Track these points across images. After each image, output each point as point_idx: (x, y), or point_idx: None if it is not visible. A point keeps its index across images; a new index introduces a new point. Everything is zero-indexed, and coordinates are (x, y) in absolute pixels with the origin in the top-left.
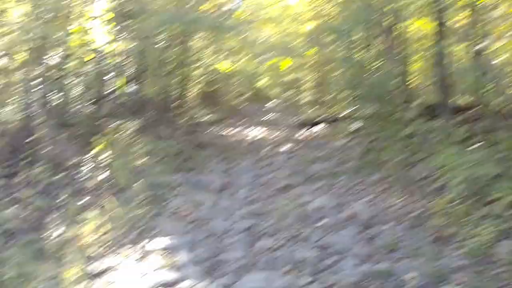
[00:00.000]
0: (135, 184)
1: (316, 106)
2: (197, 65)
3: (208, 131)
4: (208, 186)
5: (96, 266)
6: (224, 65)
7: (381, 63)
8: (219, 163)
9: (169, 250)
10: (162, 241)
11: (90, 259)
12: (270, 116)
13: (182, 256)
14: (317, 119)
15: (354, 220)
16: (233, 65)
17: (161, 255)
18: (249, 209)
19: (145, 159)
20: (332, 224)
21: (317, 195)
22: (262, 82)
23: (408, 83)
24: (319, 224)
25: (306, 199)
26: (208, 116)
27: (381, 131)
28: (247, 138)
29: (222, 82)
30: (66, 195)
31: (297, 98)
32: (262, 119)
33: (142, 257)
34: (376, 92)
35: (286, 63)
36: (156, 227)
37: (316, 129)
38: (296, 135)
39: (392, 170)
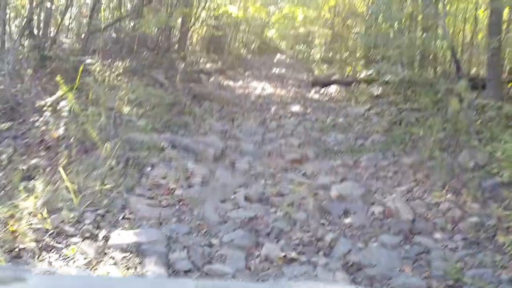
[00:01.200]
0: (107, 142)
1: (331, 64)
2: (203, 4)
3: (210, 80)
4: (202, 152)
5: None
6: (233, 9)
7: (420, 19)
8: (218, 122)
9: (134, 251)
10: (127, 236)
11: (15, 259)
12: (280, 70)
13: (154, 262)
14: (331, 79)
15: (391, 222)
16: (243, 10)
17: (122, 258)
18: (250, 191)
19: (127, 108)
20: (360, 226)
21: (337, 177)
22: (273, 32)
23: (452, 46)
24: (345, 222)
25: (323, 181)
26: (211, 64)
27: (413, 100)
28: (253, 93)
29: (229, 28)
30: (10, 153)
31: (310, 53)
32: (270, 72)
33: (96, 261)
34: (409, 54)
35: (302, 12)
36: (124, 209)
37: (330, 89)
38: (308, 94)
39: (431, 152)
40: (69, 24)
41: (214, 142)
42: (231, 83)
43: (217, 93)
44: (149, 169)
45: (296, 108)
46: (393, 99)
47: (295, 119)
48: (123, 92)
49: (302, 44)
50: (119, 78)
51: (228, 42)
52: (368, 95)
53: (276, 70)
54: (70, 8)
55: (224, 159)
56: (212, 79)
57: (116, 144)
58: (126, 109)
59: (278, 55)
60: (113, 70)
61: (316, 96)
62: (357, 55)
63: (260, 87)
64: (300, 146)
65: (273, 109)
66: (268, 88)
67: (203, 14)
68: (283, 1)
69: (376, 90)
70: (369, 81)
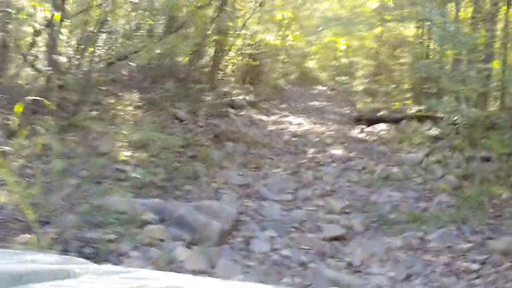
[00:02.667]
0: (62, 214)
1: (375, 98)
2: (239, 32)
3: (240, 114)
4: (203, 227)
5: None
6: (270, 37)
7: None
8: (238, 170)
9: None
10: None
11: None
12: (319, 103)
13: None
14: (377, 115)
15: None
16: (281, 39)
17: None
18: None
19: (128, 153)
20: None
21: (399, 270)
22: (313, 62)
23: None
24: None
25: (379, 281)
26: (244, 96)
27: (482, 145)
28: (288, 130)
29: (266, 57)
30: None
31: (352, 85)
32: (309, 104)
33: None
34: (471, 88)
35: (344, 43)
36: None
37: (376, 127)
38: (351, 133)
39: None
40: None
41: (225, 208)
42: (264, 117)
43: (245, 131)
44: (112, 265)
45: (337, 151)
46: (456, 143)
47: (336, 167)
48: (129, 131)
49: (344, 76)
50: (131, 112)
51: (266, 72)
52: (423, 136)
53: (315, 103)
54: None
55: (235, 236)
56: (243, 112)
57: (69, 221)
58: (125, 154)
59: (319, 87)
60: (128, 103)
61: (361, 136)
62: (404, 87)
63: (296, 123)
64: (343, 212)
65: (310, 152)
66: (306, 124)
67: (239, 42)
68: (324, 30)
69: (433, 130)
70: (421, 118)
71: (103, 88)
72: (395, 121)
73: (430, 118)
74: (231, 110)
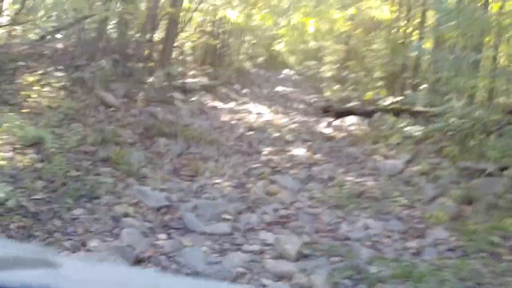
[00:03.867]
0: None
1: (344, 85)
2: (197, 5)
3: (190, 100)
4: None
5: None
6: (232, 14)
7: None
8: (163, 183)
9: None
10: None
11: None
12: (284, 88)
13: None
14: (347, 105)
15: None
16: (246, 17)
17: None
18: None
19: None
20: None
21: None
22: (281, 45)
23: None
24: None
25: None
26: (201, 78)
27: (477, 152)
28: (244, 121)
29: (230, 36)
30: None
31: (320, 71)
32: (273, 90)
33: None
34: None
35: (313, 25)
36: None
37: (346, 121)
38: (317, 127)
39: None
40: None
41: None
42: (219, 104)
43: (188, 123)
44: None
45: (299, 151)
46: (445, 148)
47: (296, 177)
48: (20, 121)
49: (313, 60)
50: (48, 95)
51: (229, 53)
52: (401, 135)
53: (280, 89)
54: None
55: None
56: (194, 98)
57: None
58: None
59: (286, 71)
60: (48, 83)
61: (328, 131)
62: (377, 75)
63: (256, 112)
64: (301, 256)
65: (265, 151)
66: (266, 114)
67: (198, 17)
68: (292, 10)
69: (413, 127)
70: (397, 111)
71: (22, 63)
72: (367, 114)
73: (407, 112)
74: (179, 96)
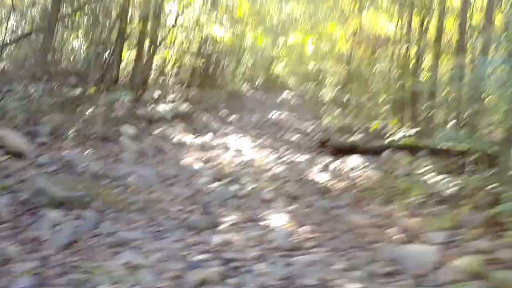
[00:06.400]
0: None
1: (345, 109)
2: (175, 21)
3: (150, 133)
4: None
5: None
6: (219, 32)
7: None
8: None
9: None
10: None
11: None
12: (279, 114)
13: None
14: (348, 142)
15: None
16: (236, 36)
17: None
18: None
19: None
20: None
21: None
22: (281, 66)
23: None
24: None
25: None
26: (175, 104)
27: None
28: (213, 163)
29: (222, 56)
30: None
31: (320, 94)
32: (266, 117)
33: None
34: None
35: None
36: None
37: (348, 163)
38: (309, 172)
39: None
40: None
41: None
42: (189, 138)
43: (124, 173)
44: None
45: (278, 220)
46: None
47: (262, 286)
48: None
49: (312, 82)
50: None
51: (223, 75)
52: (425, 188)
53: (274, 114)
54: None
55: None
56: (159, 130)
57: None
58: None
59: (285, 93)
60: None
61: (324, 178)
62: (384, 100)
63: (235, 147)
64: None
65: (225, 224)
66: (248, 150)
67: (180, 35)
68: (290, 29)
69: (441, 177)
70: (413, 149)
71: None
72: (374, 151)
73: (427, 150)
74: (129, 130)
